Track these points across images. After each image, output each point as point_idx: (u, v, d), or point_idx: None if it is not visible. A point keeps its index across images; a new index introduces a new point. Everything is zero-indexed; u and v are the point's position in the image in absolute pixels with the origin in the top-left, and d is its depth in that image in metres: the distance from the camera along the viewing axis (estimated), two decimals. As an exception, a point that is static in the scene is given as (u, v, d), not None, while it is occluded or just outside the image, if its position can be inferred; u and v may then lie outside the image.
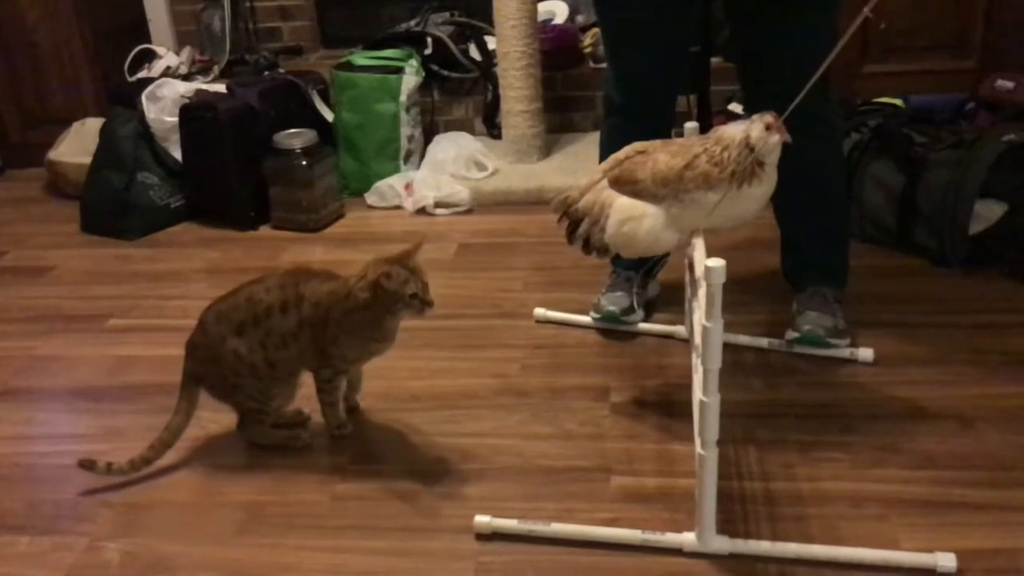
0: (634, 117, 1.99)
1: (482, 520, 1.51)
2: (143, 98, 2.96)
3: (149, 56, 3.47)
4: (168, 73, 3.32)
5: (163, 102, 2.97)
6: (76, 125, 3.28)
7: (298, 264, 1.72)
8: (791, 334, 1.95)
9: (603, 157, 1.82)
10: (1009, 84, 2.58)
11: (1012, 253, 2.22)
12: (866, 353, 1.91)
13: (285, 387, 1.71)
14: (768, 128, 1.50)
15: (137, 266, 2.67)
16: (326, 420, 1.76)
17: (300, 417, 1.82)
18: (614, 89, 2.02)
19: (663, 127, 1.96)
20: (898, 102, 2.65)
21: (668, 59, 1.96)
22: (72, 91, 3.44)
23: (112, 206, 2.88)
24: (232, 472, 1.72)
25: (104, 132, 2.98)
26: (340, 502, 1.62)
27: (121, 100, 3.07)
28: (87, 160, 3.00)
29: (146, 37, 3.63)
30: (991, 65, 2.91)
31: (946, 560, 1.37)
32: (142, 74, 3.37)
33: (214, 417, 1.86)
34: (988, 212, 2.25)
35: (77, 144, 3.20)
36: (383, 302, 1.56)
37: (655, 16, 1.87)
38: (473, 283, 2.41)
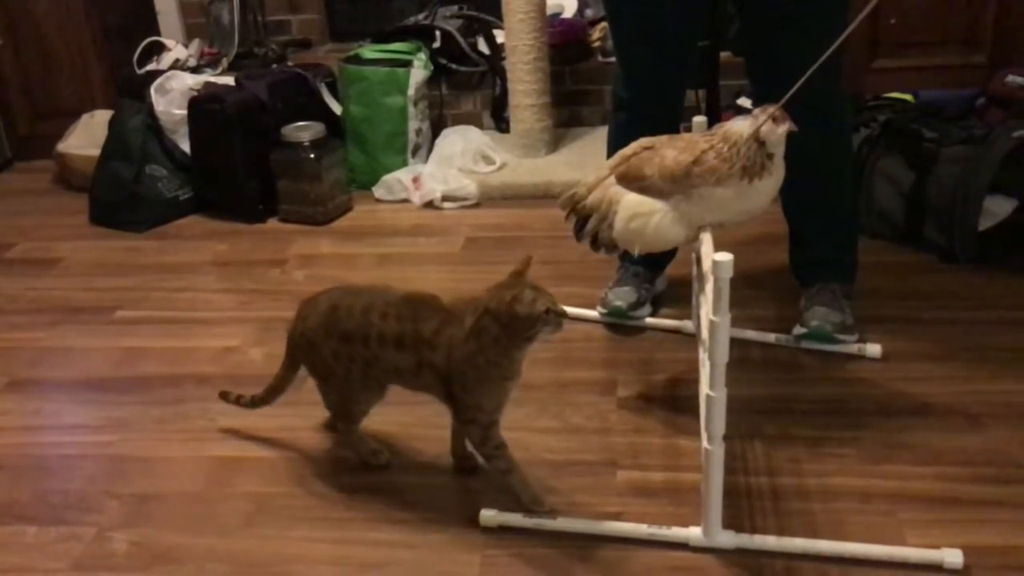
0: (642, 113, 1.98)
1: (488, 513, 1.51)
2: (152, 91, 2.96)
3: (158, 49, 3.47)
4: (177, 66, 3.32)
5: (172, 95, 2.98)
6: (85, 117, 3.29)
7: (420, 292, 1.56)
8: (799, 329, 1.95)
9: (611, 153, 1.82)
10: (1020, 79, 2.57)
11: (1021, 249, 2.21)
12: (874, 349, 1.91)
13: (372, 395, 1.61)
14: (775, 120, 1.50)
15: (145, 258, 2.68)
16: (515, 493, 1.52)
17: (467, 463, 1.65)
18: (622, 85, 2.02)
19: (671, 122, 1.95)
20: (908, 97, 2.64)
21: (677, 55, 1.95)
22: (81, 83, 3.44)
23: (120, 198, 2.89)
24: (239, 464, 1.72)
25: (113, 124, 2.98)
26: (347, 494, 1.62)
27: (130, 93, 3.07)
28: (96, 152, 3.00)
29: (155, 30, 3.63)
30: (1002, 60, 2.90)
31: (953, 556, 1.36)
32: (151, 67, 3.37)
33: (223, 409, 1.87)
34: (998, 208, 2.24)
35: (86, 136, 3.21)
36: (519, 330, 1.40)
37: (664, 12, 1.87)
38: (480, 277, 2.38)
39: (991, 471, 1.57)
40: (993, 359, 1.88)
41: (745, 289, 2.13)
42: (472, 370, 1.45)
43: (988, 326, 2.00)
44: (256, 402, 1.76)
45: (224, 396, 1.81)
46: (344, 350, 1.54)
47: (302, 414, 1.85)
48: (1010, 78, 2.61)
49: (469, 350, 1.44)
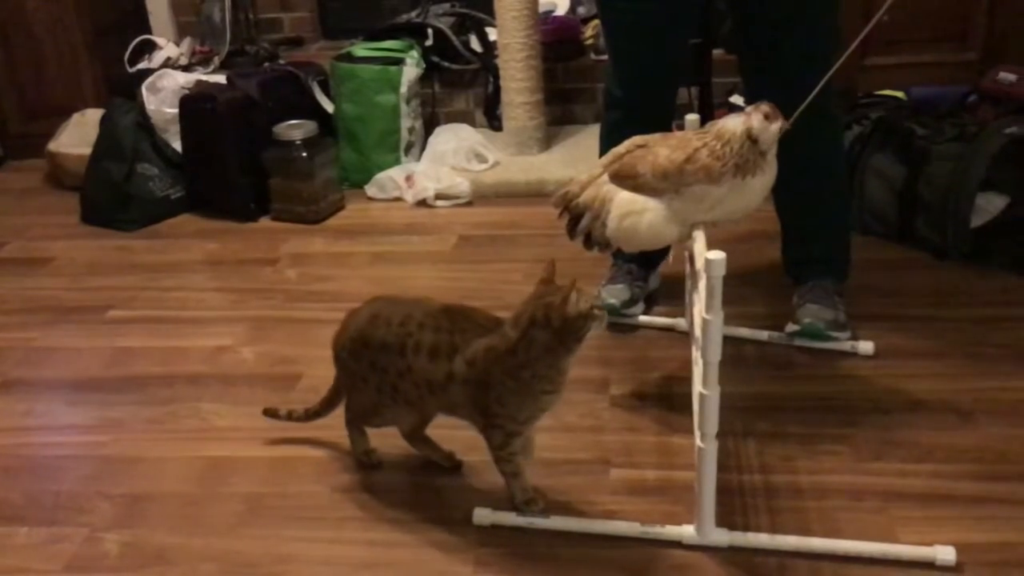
0: (635, 110, 1.98)
1: (482, 512, 1.51)
2: (143, 89, 2.95)
3: (149, 47, 3.46)
4: (168, 64, 3.31)
5: (163, 93, 2.97)
6: (76, 116, 3.27)
7: (460, 304, 1.52)
8: (791, 327, 1.95)
9: (604, 151, 1.82)
10: (1011, 76, 2.57)
11: (1013, 246, 2.22)
12: (866, 346, 1.91)
13: (401, 414, 1.59)
14: (767, 117, 1.50)
15: (137, 257, 2.67)
16: (511, 493, 1.52)
17: (452, 461, 1.66)
18: (614, 82, 2.02)
19: (664, 120, 1.95)
20: (900, 94, 2.64)
21: (669, 52, 1.95)
22: (72, 82, 3.42)
23: (112, 197, 2.88)
24: (231, 464, 1.72)
25: (104, 123, 2.97)
26: (340, 494, 1.62)
27: (121, 91, 3.06)
28: (87, 151, 2.99)
29: (146, 28, 3.62)
30: (993, 57, 2.90)
31: (945, 553, 1.37)
32: (142, 65, 3.36)
33: (215, 409, 1.87)
34: (990, 205, 2.24)
35: (77, 135, 3.19)
36: (570, 332, 1.37)
37: (656, 9, 1.86)
38: (473, 275, 2.41)
39: (983, 468, 1.57)
40: (985, 356, 1.88)
41: (738, 287, 2.13)
42: (514, 383, 1.41)
43: (980, 323, 2.00)
44: (311, 415, 1.71)
45: (272, 413, 1.75)
46: (380, 361, 1.50)
47: (295, 413, 1.85)
48: (1002, 75, 2.61)
49: (514, 363, 1.40)
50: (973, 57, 3.00)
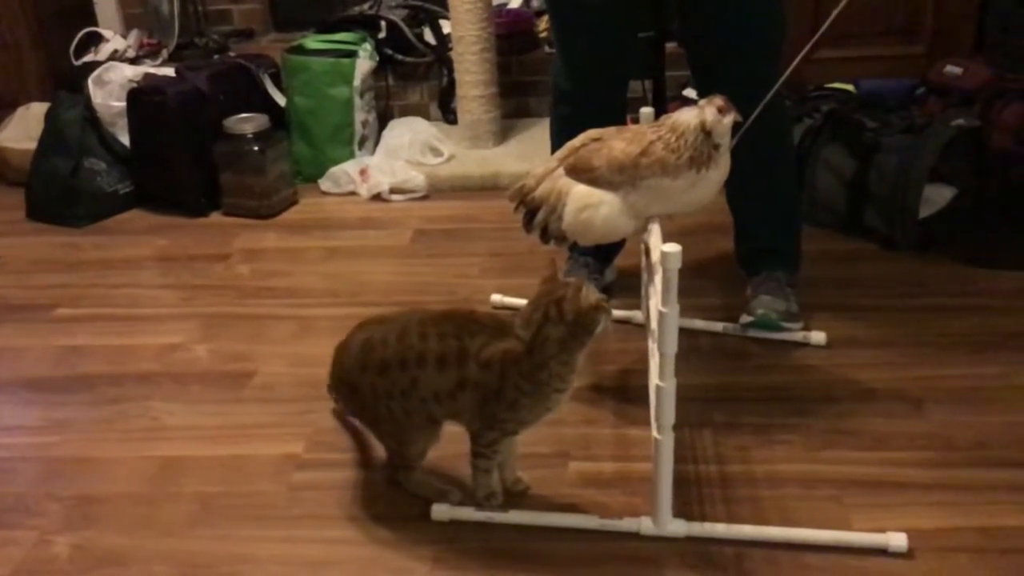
0: (584, 105, 1.97)
1: (440, 508, 1.50)
2: (89, 82, 2.90)
3: (95, 39, 3.40)
4: (115, 57, 3.26)
5: (110, 86, 2.92)
6: (21, 110, 3.20)
7: (458, 308, 1.49)
8: (745, 318, 1.96)
9: (554, 146, 1.81)
10: (958, 70, 2.62)
11: (960, 236, 2.26)
12: (818, 336, 1.94)
13: (424, 433, 1.50)
14: (720, 111, 1.51)
15: (85, 254, 2.62)
16: (475, 486, 1.51)
17: (520, 486, 1.57)
18: (562, 76, 2.01)
19: (614, 114, 1.94)
20: (849, 87, 2.67)
21: (617, 45, 1.94)
22: (16, 75, 3.35)
23: (58, 193, 2.82)
24: (184, 463, 1.69)
25: (49, 117, 2.91)
26: (295, 492, 1.60)
27: (67, 84, 3.00)
28: (32, 146, 2.93)
29: (92, 20, 3.55)
30: (940, 51, 2.95)
31: (897, 540, 1.39)
32: (88, 58, 3.31)
33: (166, 408, 1.84)
34: (937, 196, 2.28)
35: (22, 129, 3.13)
36: (583, 326, 1.34)
37: (604, 2, 1.86)
38: (429, 269, 2.40)
39: (933, 455, 1.60)
40: (934, 344, 1.92)
41: (693, 279, 2.13)
42: (531, 386, 1.39)
43: (929, 312, 2.04)
44: (339, 414, 1.74)
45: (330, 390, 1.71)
46: (381, 383, 1.44)
47: (247, 411, 1.83)
48: (948, 68, 2.66)
49: (530, 365, 1.37)
50: (920, 51, 3.05)
